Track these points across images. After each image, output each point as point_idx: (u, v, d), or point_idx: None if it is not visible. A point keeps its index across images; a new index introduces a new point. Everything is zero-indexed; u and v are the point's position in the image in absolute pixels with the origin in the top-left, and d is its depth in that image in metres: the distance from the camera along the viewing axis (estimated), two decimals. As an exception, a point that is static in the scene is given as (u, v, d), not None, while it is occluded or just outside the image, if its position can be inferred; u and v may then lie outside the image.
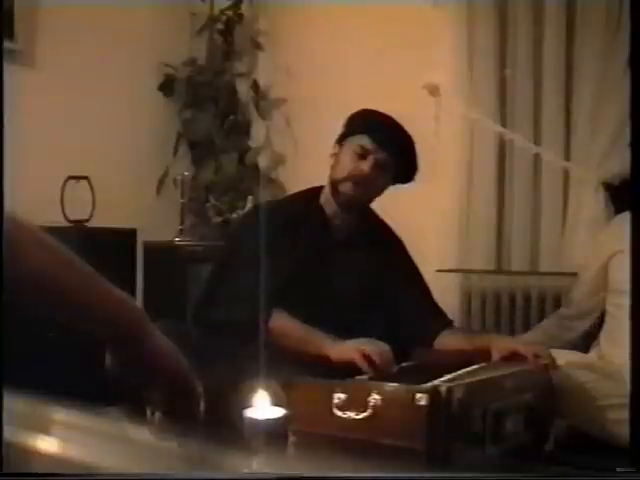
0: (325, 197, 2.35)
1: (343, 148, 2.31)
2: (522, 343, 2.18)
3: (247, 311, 2.08)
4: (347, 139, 2.31)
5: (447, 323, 2.37)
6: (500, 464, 1.76)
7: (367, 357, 1.91)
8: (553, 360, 2.07)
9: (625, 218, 2.55)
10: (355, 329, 2.14)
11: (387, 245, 2.43)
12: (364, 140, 2.25)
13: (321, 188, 2.38)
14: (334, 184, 2.30)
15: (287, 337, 2.06)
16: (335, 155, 2.33)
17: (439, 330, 2.31)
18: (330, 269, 2.30)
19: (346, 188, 2.27)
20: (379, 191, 2.33)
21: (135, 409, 0.86)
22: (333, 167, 2.32)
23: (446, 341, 2.28)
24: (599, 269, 2.62)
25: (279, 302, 2.12)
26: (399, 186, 2.41)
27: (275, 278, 2.09)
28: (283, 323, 2.09)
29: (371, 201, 2.36)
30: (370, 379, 1.84)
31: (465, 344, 2.24)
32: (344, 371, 1.87)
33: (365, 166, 2.24)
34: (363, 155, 2.25)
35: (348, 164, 2.27)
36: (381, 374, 1.87)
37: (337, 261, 2.31)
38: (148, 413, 0.85)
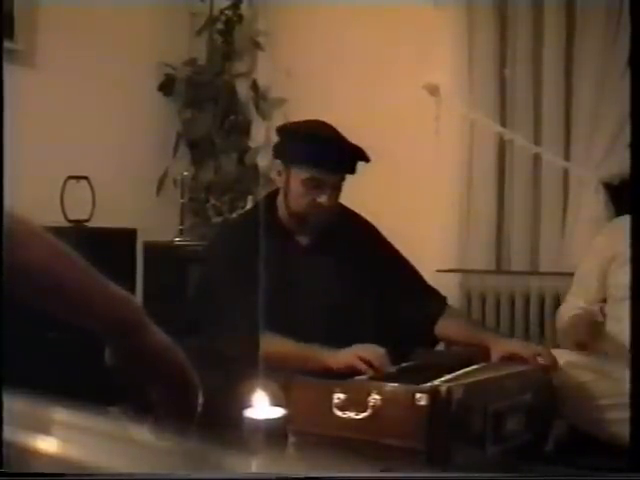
0: (283, 216, 2.23)
1: (291, 176, 2.16)
2: (521, 345, 2.18)
3: (237, 343, 2.01)
4: (292, 166, 2.15)
5: (442, 301, 2.34)
6: (500, 464, 1.76)
7: (365, 360, 1.91)
8: (554, 361, 2.07)
9: (624, 221, 2.55)
10: (352, 329, 2.13)
11: (361, 235, 2.33)
12: (313, 171, 2.11)
13: (276, 193, 2.26)
14: (294, 215, 2.19)
15: (283, 360, 1.94)
16: (282, 176, 2.19)
17: (438, 313, 2.27)
18: (309, 277, 2.21)
19: (311, 219, 2.17)
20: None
21: (135, 404, 0.86)
22: (285, 194, 2.18)
23: (447, 328, 2.25)
24: (598, 272, 2.61)
25: (265, 326, 1.99)
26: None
27: (254, 303, 1.98)
28: (276, 347, 1.96)
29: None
30: (370, 379, 1.84)
31: (466, 334, 2.23)
32: (345, 375, 1.87)
33: (323, 198, 2.13)
34: (317, 186, 2.13)
35: (303, 196, 2.14)
36: (380, 375, 1.87)
37: (312, 267, 2.23)
38: (148, 410, 0.86)
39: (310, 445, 1.67)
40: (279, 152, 2.23)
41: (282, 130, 2.27)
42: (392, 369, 1.95)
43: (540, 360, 2.04)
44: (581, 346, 2.41)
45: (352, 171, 2.18)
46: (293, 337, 2.02)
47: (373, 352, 1.94)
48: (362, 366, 1.90)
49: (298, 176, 2.14)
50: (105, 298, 0.80)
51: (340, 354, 1.96)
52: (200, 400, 0.86)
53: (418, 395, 1.63)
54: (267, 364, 1.89)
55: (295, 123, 2.26)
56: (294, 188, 2.16)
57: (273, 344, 1.97)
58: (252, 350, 1.98)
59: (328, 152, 2.13)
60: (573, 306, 2.64)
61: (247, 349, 1.98)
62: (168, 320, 0.87)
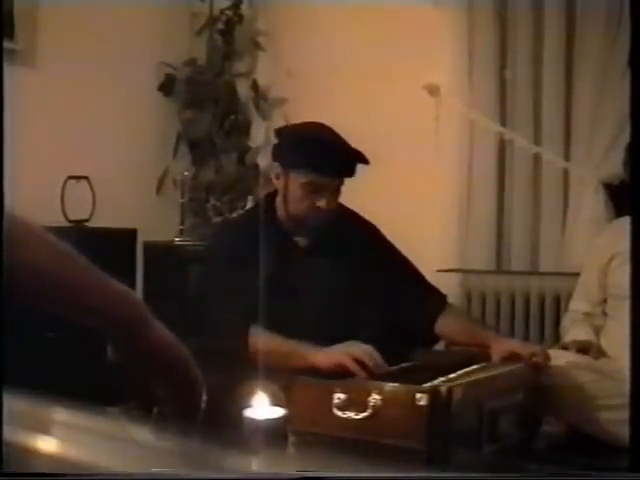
0: (282, 217, 2.21)
1: (289, 180, 2.14)
2: (521, 344, 2.18)
3: (235, 343, 1.98)
4: (291, 170, 2.13)
5: (443, 299, 2.32)
6: (500, 464, 1.76)
7: (358, 361, 1.85)
8: (547, 359, 2.07)
9: (623, 222, 2.55)
10: (352, 329, 2.11)
11: (360, 234, 2.31)
12: (312, 175, 2.09)
13: (275, 193, 2.23)
14: (292, 218, 2.18)
15: (268, 355, 1.88)
16: (280, 179, 2.16)
17: (438, 311, 2.26)
18: (308, 277, 2.19)
19: (309, 222, 2.16)
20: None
21: (138, 402, 0.86)
22: (284, 196, 2.16)
23: (447, 326, 2.24)
24: (598, 273, 2.61)
25: (254, 321, 1.98)
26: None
27: (246, 298, 1.98)
28: (261, 343, 1.93)
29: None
30: (370, 379, 1.83)
31: (466, 332, 2.22)
32: (335, 374, 1.84)
33: (322, 202, 2.11)
34: (316, 190, 2.11)
35: (301, 200, 2.12)
36: (373, 376, 1.84)
37: (312, 267, 2.20)
38: (151, 407, 0.86)
39: (310, 445, 1.67)
40: (277, 155, 2.21)
41: (281, 133, 2.25)
42: (386, 368, 1.92)
43: (535, 359, 2.04)
44: (583, 352, 2.42)
45: (351, 174, 2.16)
46: (292, 338, 1.99)
47: (364, 350, 1.88)
48: (355, 367, 1.84)
49: (297, 180, 2.12)
50: (107, 296, 0.80)
51: (329, 352, 1.90)
52: (204, 398, 0.86)
53: (418, 395, 1.62)
54: (253, 361, 1.86)
55: (294, 126, 2.24)
56: (293, 192, 2.14)
57: (259, 340, 1.94)
58: (250, 350, 1.97)
59: (327, 156, 2.09)
60: (573, 315, 2.64)
61: (245, 349, 1.98)
62: (168, 320, 0.87)
